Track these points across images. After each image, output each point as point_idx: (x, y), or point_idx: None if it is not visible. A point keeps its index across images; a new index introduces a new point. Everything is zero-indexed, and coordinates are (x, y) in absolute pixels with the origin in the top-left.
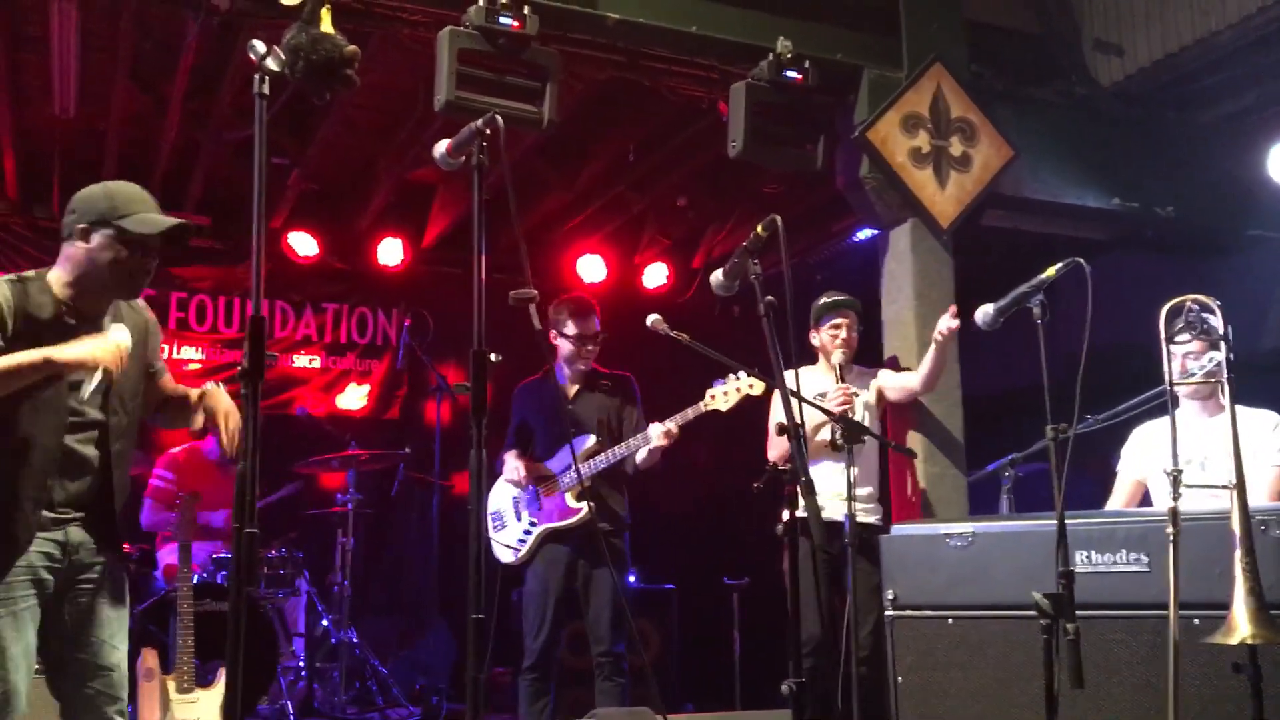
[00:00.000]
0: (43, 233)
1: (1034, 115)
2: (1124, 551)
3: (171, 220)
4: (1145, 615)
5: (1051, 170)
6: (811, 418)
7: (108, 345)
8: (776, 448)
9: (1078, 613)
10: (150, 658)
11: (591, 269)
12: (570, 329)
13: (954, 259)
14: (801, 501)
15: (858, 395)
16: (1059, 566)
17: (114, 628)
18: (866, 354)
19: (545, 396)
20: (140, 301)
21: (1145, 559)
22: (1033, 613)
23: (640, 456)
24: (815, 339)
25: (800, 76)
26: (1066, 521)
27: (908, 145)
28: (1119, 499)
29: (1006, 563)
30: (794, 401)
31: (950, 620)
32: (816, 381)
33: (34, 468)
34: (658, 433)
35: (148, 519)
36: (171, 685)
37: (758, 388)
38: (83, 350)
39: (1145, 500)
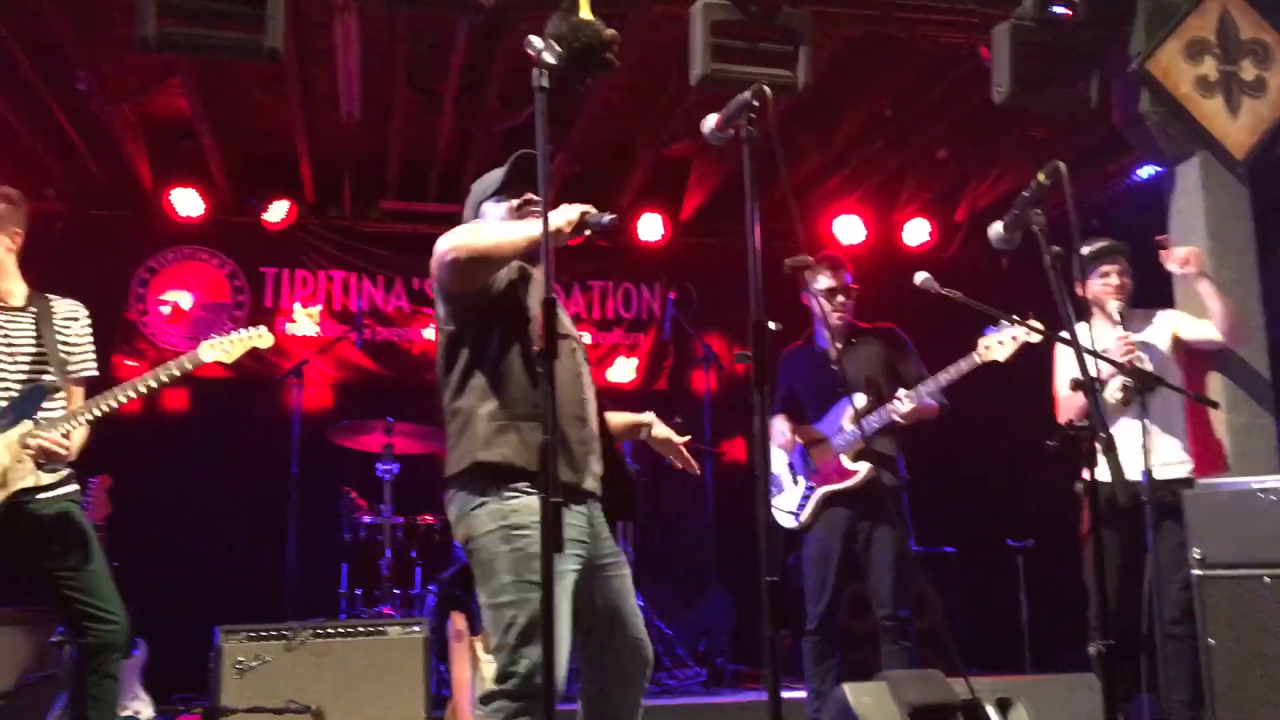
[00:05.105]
0: (336, 230)
1: None
2: None
3: (512, 157)
4: None
5: None
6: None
7: (564, 209)
8: (1068, 408)
9: None
10: (459, 620)
11: (849, 230)
12: (820, 283)
13: (1250, 191)
14: (1102, 459)
15: (1141, 344)
16: None
17: (632, 599)
18: (1158, 301)
19: (810, 361)
20: None
21: None
22: None
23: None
24: (1085, 292)
25: (1069, 11)
26: None
27: (1192, 74)
28: None
29: None
30: (1085, 355)
31: (1267, 579)
32: (1095, 337)
33: (577, 412)
34: (902, 410)
35: None
36: (479, 646)
37: (1035, 335)
38: (558, 217)
39: None
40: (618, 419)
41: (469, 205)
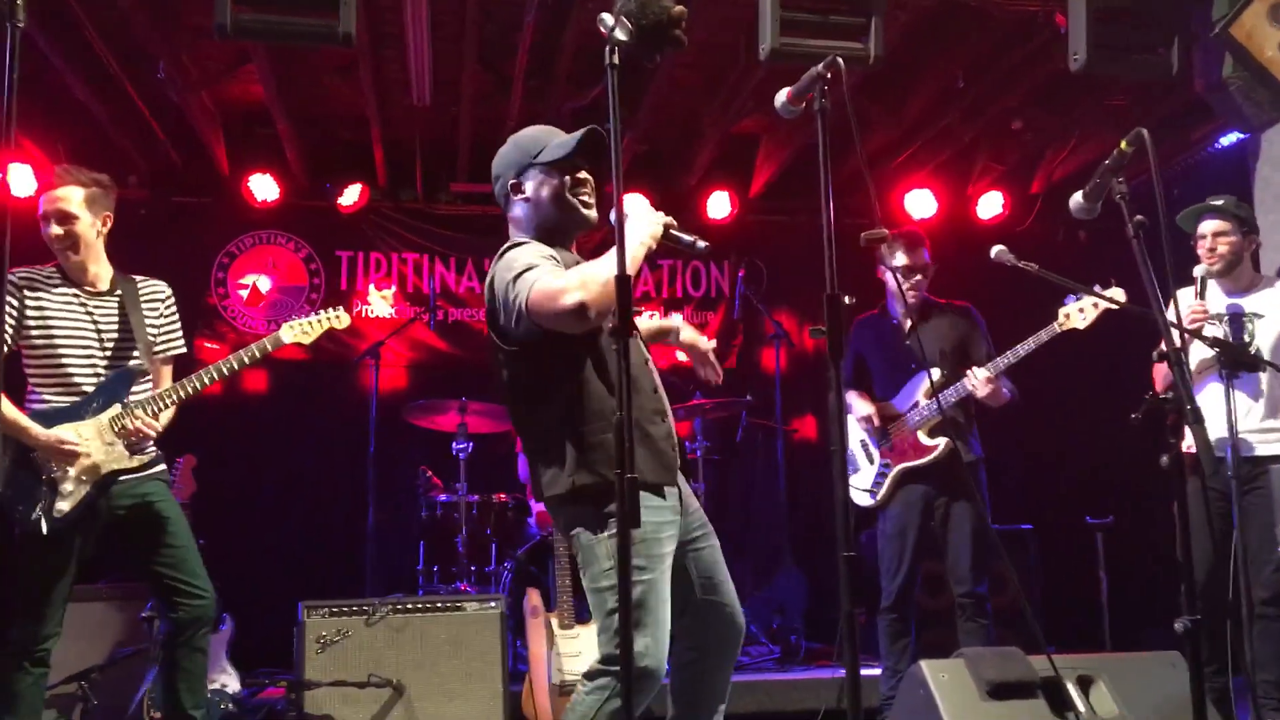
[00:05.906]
0: (408, 213)
1: None
2: None
3: (580, 131)
4: None
5: None
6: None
7: (648, 213)
8: (1158, 379)
9: None
10: (534, 596)
11: (921, 204)
12: (897, 260)
13: None
14: (1188, 432)
15: (1207, 314)
16: None
17: (724, 568)
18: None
19: (884, 333)
20: None
21: None
22: None
23: (980, 394)
24: None
25: None
26: None
27: (1277, 37)
28: None
29: None
30: (1167, 325)
31: None
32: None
33: (655, 407)
34: (977, 380)
35: (525, 471)
36: (554, 621)
37: (1115, 303)
38: (644, 229)
39: None
40: (646, 326)
41: (506, 159)
